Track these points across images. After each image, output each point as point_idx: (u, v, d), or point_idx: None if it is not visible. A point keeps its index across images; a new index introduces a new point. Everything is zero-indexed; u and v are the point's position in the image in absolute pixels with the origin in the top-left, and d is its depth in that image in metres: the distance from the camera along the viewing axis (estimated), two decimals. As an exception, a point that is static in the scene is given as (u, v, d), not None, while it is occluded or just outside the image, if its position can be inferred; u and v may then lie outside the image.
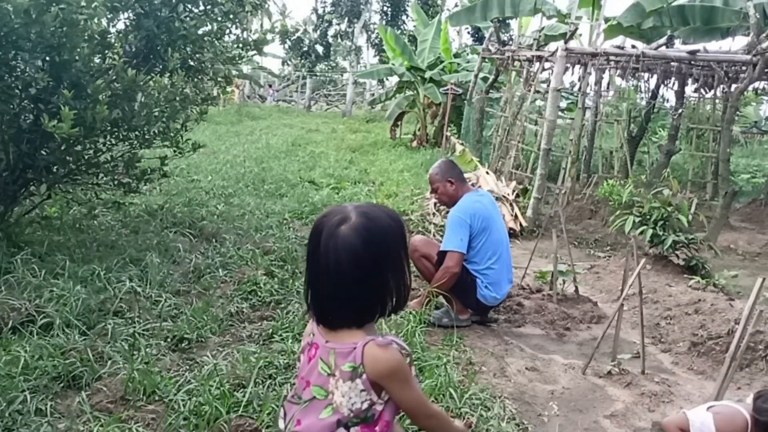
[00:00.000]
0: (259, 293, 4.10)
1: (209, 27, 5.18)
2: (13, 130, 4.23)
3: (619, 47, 8.55)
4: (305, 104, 28.97)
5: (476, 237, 3.98)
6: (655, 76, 9.47)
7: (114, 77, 4.36)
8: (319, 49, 34.16)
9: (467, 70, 14.10)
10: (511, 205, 7.36)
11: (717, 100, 9.31)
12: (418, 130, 15.81)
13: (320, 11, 32.61)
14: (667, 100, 11.67)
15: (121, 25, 4.90)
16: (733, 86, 8.52)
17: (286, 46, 34.63)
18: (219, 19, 5.23)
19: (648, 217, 5.68)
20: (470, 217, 3.95)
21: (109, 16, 4.57)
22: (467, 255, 4.00)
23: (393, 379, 1.42)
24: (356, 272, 1.40)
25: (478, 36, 26.38)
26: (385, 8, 31.52)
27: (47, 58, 4.09)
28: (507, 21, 20.31)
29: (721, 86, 8.94)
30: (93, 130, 4.18)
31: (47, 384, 2.73)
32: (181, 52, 4.92)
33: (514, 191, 7.97)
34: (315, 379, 1.45)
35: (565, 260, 5.04)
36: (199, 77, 5.51)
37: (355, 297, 1.42)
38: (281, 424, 1.54)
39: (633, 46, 8.40)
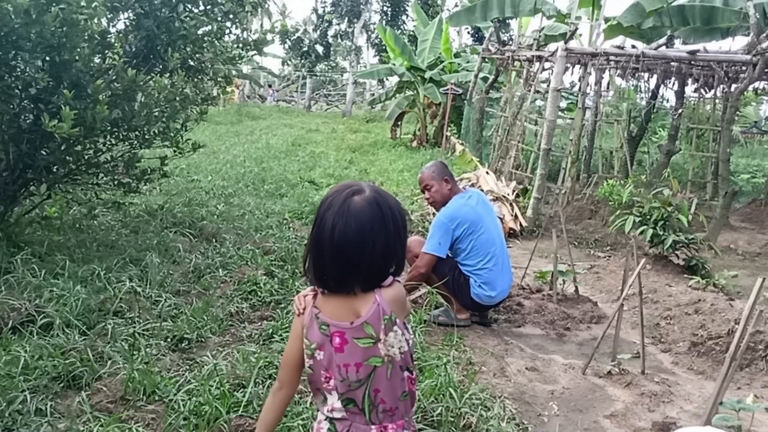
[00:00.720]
0: (259, 293, 4.10)
1: (209, 27, 5.18)
2: (13, 130, 4.23)
3: (619, 47, 8.55)
4: (305, 104, 28.98)
5: (463, 239, 4.00)
6: (655, 76, 9.47)
7: (114, 77, 4.36)
8: (319, 49, 34.14)
9: (467, 70, 14.11)
10: (511, 205, 7.36)
11: (717, 100, 9.31)
12: (418, 130, 15.81)
13: (320, 11, 32.59)
14: (667, 100, 11.69)
15: (121, 25, 4.91)
16: (733, 86, 8.52)
17: (286, 46, 34.61)
18: (219, 19, 5.23)
19: (648, 217, 5.68)
20: (453, 222, 3.97)
21: (109, 16, 4.57)
22: (459, 256, 4.03)
23: (404, 307, 1.59)
24: (360, 240, 1.48)
25: (478, 36, 26.36)
26: (385, 8, 31.50)
27: (47, 58, 4.09)
28: (507, 21, 20.30)
29: (721, 86, 8.94)
30: (93, 130, 4.18)
31: (47, 384, 2.73)
32: (181, 52, 4.92)
33: (514, 191, 7.97)
34: (365, 355, 1.52)
35: (565, 260, 5.04)
36: (199, 77, 5.51)
37: (354, 266, 1.50)
38: (338, 414, 1.57)
39: (633, 46, 8.40)
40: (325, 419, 1.60)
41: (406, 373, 1.58)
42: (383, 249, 1.51)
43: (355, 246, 1.48)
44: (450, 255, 4.03)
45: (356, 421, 1.56)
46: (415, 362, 1.64)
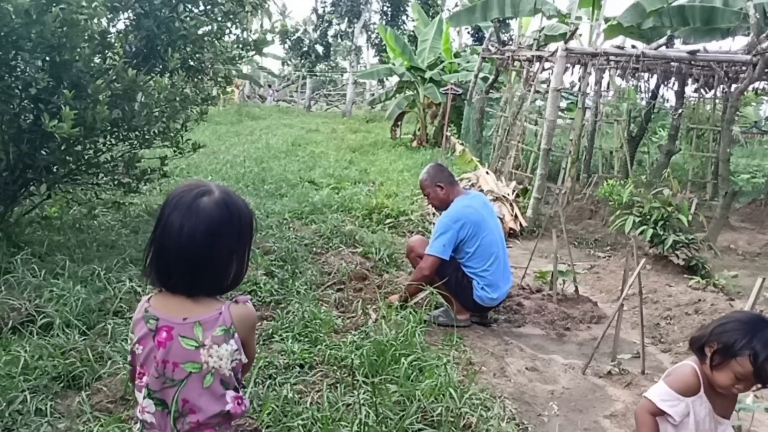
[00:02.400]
0: (259, 293, 4.10)
1: (209, 27, 5.18)
2: (13, 130, 4.23)
3: (619, 47, 8.55)
4: (305, 104, 28.97)
5: (468, 242, 4.00)
6: (655, 76, 9.47)
7: (114, 77, 4.36)
8: (319, 49, 34.11)
9: (467, 70, 14.10)
10: (511, 205, 7.36)
11: (717, 100, 9.31)
12: (418, 130, 15.81)
13: (320, 11, 32.57)
14: (667, 100, 11.69)
15: (121, 25, 4.91)
16: (733, 86, 8.52)
17: (286, 46, 34.59)
18: (219, 19, 5.23)
19: (648, 217, 5.68)
20: (458, 224, 3.97)
21: (109, 16, 4.57)
22: (463, 258, 4.02)
23: (252, 331, 1.59)
24: (208, 243, 1.46)
25: (478, 36, 26.36)
26: (385, 8, 31.47)
27: (47, 58, 4.09)
28: (507, 21, 20.29)
29: (721, 86, 8.94)
30: (93, 130, 4.18)
31: (47, 384, 2.73)
32: (181, 52, 4.92)
33: (514, 191, 7.97)
34: (183, 357, 1.48)
35: (565, 260, 5.04)
36: (199, 77, 5.51)
37: (198, 267, 1.47)
38: (149, 418, 1.54)
39: (633, 46, 8.40)
40: (138, 422, 1.57)
41: (231, 392, 1.52)
42: (229, 252, 1.50)
43: (203, 247, 1.45)
44: (453, 256, 4.02)
45: (161, 428, 1.52)
46: (242, 386, 1.59)
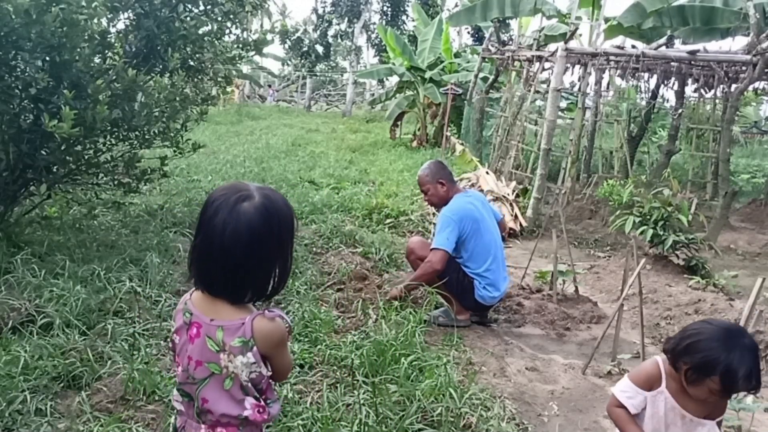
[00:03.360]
0: (259, 293, 4.09)
1: (209, 27, 5.18)
2: (13, 130, 4.23)
3: (619, 47, 8.55)
4: (305, 104, 28.97)
5: (469, 240, 3.99)
6: (655, 76, 9.47)
7: (114, 77, 4.36)
8: (319, 49, 34.10)
9: (467, 70, 14.10)
10: (511, 205, 7.36)
11: (717, 100, 9.31)
12: (418, 130, 15.81)
13: (320, 11, 32.56)
14: (667, 100, 11.69)
15: (121, 25, 4.91)
16: (733, 86, 8.51)
17: (286, 46, 34.59)
18: (219, 19, 5.23)
19: (648, 217, 5.67)
20: (460, 218, 3.96)
21: (109, 16, 4.57)
22: (463, 258, 4.01)
23: (279, 348, 1.53)
24: (250, 249, 1.44)
25: (478, 36, 26.35)
26: (385, 8, 31.47)
27: (47, 58, 4.09)
28: (507, 21, 20.29)
29: (721, 86, 8.94)
30: (93, 130, 4.18)
31: (47, 384, 2.73)
32: (181, 52, 4.92)
33: (514, 191, 7.97)
34: (206, 357, 1.49)
35: (565, 260, 5.04)
36: (199, 77, 5.52)
37: (242, 273, 1.46)
38: (178, 406, 1.59)
39: (633, 46, 8.40)
40: (174, 408, 1.61)
41: (251, 399, 1.51)
42: (271, 257, 1.48)
43: (245, 254, 1.44)
44: (453, 256, 4.02)
45: (190, 417, 1.55)
46: (269, 397, 1.57)
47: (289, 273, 1.55)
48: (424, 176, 4.20)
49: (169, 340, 1.63)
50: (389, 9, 31.14)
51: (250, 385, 1.50)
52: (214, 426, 1.52)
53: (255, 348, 1.47)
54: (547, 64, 8.89)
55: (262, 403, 1.53)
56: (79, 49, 4.08)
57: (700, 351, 1.82)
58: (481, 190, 7.45)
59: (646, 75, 9.62)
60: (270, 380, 1.56)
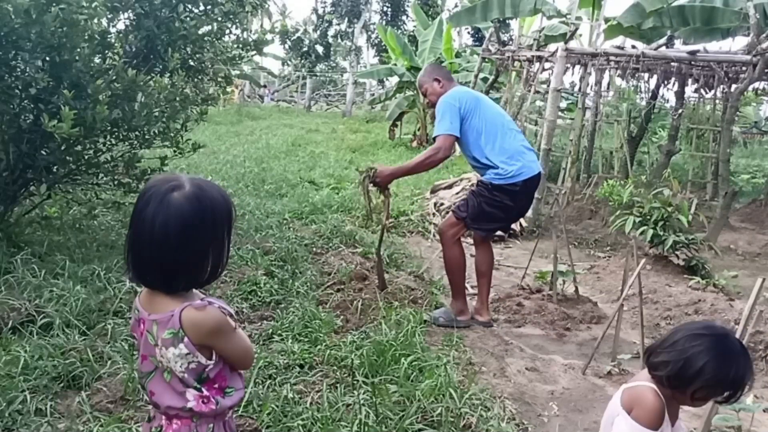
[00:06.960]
0: (259, 293, 4.10)
1: (209, 27, 5.17)
2: (13, 130, 4.23)
3: (619, 47, 8.55)
4: (305, 104, 28.97)
5: (472, 117, 3.94)
6: (655, 77, 9.48)
7: (114, 77, 4.36)
8: (319, 49, 34.08)
9: (467, 71, 14.10)
10: (511, 205, 7.34)
11: (717, 101, 9.31)
12: (418, 130, 15.80)
13: (320, 11, 32.53)
14: (667, 101, 11.69)
15: (121, 25, 4.91)
16: (733, 86, 8.52)
17: (286, 46, 34.58)
18: (219, 19, 5.22)
19: (648, 217, 5.67)
20: (458, 98, 3.95)
21: (109, 16, 4.57)
22: (481, 141, 3.94)
23: (217, 336, 1.49)
24: (180, 238, 1.43)
25: (478, 36, 26.36)
26: (385, 8, 31.47)
27: (47, 58, 4.09)
28: (507, 21, 20.29)
29: (721, 86, 8.95)
30: (93, 130, 4.18)
31: (47, 384, 2.73)
32: (181, 52, 4.92)
33: (514, 191, 7.95)
34: (149, 351, 1.51)
35: (565, 260, 5.03)
36: (199, 77, 5.51)
37: (173, 262, 1.45)
38: (152, 412, 1.61)
39: (633, 47, 8.41)
40: None
41: (192, 391, 1.50)
42: (204, 247, 1.46)
43: (176, 244, 1.43)
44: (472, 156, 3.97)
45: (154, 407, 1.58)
46: (230, 386, 1.55)
47: (226, 261, 1.54)
48: (421, 77, 4.27)
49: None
50: (389, 9, 31.15)
51: (186, 376, 1.48)
52: (169, 418, 1.52)
53: (186, 339, 1.45)
54: (547, 65, 8.89)
55: (206, 393, 1.51)
56: (79, 49, 4.08)
57: (709, 372, 1.77)
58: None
59: (646, 75, 9.63)
60: (226, 369, 1.54)
